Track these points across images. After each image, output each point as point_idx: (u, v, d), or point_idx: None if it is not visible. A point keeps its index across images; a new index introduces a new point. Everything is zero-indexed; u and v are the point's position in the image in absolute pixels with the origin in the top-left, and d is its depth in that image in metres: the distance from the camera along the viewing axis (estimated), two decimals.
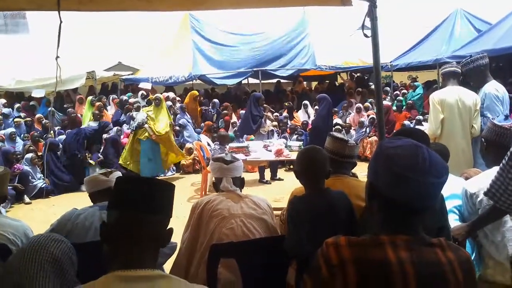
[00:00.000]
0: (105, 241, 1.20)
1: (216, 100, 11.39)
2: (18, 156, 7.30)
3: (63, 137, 8.35)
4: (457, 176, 2.73)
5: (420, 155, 1.13)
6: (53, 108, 10.35)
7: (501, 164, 1.89)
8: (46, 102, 10.81)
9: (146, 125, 7.96)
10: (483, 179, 2.27)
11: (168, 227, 1.27)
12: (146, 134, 7.92)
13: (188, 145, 9.06)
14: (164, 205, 1.25)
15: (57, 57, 2.70)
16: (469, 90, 4.22)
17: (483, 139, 2.49)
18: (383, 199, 1.16)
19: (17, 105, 10.24)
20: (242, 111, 10.50)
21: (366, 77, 13.83)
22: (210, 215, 2.18)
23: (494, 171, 1.99)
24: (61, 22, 2.53)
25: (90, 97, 10.10)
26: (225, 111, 10.70)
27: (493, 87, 4.01)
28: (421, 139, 2.14)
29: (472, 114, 4.07)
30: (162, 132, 7.93)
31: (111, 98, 10.89)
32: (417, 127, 7.98)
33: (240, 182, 2.46)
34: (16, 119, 9.29)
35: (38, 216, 6.04)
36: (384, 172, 1.15)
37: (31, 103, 10.96)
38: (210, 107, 11.20)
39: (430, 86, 11.45)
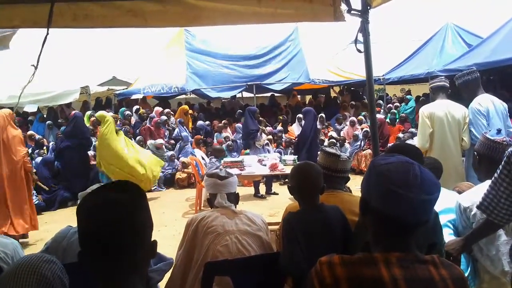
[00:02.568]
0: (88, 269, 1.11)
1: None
2: None
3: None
4: (450, 190, 2.75)
5: (411, 171, 1.14)
6: (50, 121, 10.35)
7: (493, 178, 1.90)
8: (40, 118, 10.79)
9: (91, 152, 7.70)
10: (476, 193, 2.28)
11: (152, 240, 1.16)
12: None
13: (182, 159, 9.04)
14: (145, 226, 1.12)
15: (34, 66, 2.66)
16: (458, 104, 4.30)
17: (475, 153, 2.51)
18: (376, 215, 1.18)
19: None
20: (238, 125, 10.57)
21: (360, 93, 13.92)
22: (205, 231, 2.16)
23: (486, 184, 2.00)
24: (47, 33, 2.51)
25: (88, 112, 10.09)
26: (220, 125, 10.75)
27: (477, 102, 4.09)
28: (414, 154, 2.17)
29: (461, 127, 4.15)
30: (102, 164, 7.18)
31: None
32: (409, 141, 8.04)
33: (234, 198, 2.45)
34: None
35: (30, 234, 5.95)
36: (376, 188, 1.17)
37: (29, 118, 10.93)
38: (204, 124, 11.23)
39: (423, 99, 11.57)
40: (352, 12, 2.68)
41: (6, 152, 5.14)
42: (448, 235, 2.32)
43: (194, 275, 2.11)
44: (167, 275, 2.26)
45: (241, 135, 10.11)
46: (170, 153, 9.49)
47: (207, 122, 11.28)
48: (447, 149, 4.12)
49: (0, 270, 1.83)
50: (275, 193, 7.81)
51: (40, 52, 2.52)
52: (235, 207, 2.42)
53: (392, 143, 7.82)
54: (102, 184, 1.23)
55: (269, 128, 10.36)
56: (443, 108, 4.20)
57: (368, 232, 1.24)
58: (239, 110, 12.24)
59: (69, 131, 7.73)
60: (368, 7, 2.70)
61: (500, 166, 1.86)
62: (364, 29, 2.74)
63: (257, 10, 2.68)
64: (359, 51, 2.80)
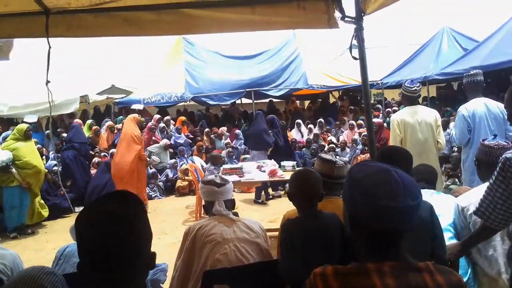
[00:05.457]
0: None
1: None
2: None
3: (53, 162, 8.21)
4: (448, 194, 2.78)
5: (392, 180, 1.13)
6: (50, 131, 10.31)
7: (488, 183, 1.92)
8: (34, 128, 10.72)
9: (13, 170, 6.05)
10: (473, 194, 2.35)
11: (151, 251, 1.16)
12: (15, 181, 6.10)
13: (184, 166, 9.05)
14: (143, 237, 1.12)
15: (48, 82, 2.72)
16: (429, 108, 4.49)
17: (475, 159, 2.58)
18: (365, 230, 1.17)
19: None
20: (237, 131, 10.58)
21: (359, 98, 13.98)
22: (203, 241, 2.15)
23: (485, 186, 2.02)
24: (50, 47, 2.56)
25: (89, 121, 10.09)
26: (218, 132, 10.76)
27: (464, 106, 4.22)
28: (404, 157, 2.21)
29: (434, 130, 4.25)
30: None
31: (106, 124, 10.74)
32: None
33: (231, 204, 2.44)
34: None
35: (31, 243, 5.95)
36: (363, 206, 1.14)
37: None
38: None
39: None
40: (346, 19, 2.70)
41: (123, 146, 6.86)
42: (448, 239, 2.33)
43: (193, 284, 2.10)
44: (166, 285, 2.28)
45: (242, 141, 10.11)
46: (172, 160, 9.51)
47: (207, 130, 11.27)
48: (421, 153, 4.20)
49: (1, 282, 1.85)
50: (279, 196, 7.80)
51: (48, 66, 2.58)
52: (232, 213, 2.42)
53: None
54: (102, 195, 1.24)
55: None
56: (413, 114, 4.31)
57: (358, 246, 1.22)
58: (238, 116, 12.27)
59: (69, 138, 8.43)
60: (362, 14, 2.72)
61: (495, 172, 1.87)
62: (358, 36, 2.76)
63: (252, 18, 2.71)
64: (354, 58, 2.81)
